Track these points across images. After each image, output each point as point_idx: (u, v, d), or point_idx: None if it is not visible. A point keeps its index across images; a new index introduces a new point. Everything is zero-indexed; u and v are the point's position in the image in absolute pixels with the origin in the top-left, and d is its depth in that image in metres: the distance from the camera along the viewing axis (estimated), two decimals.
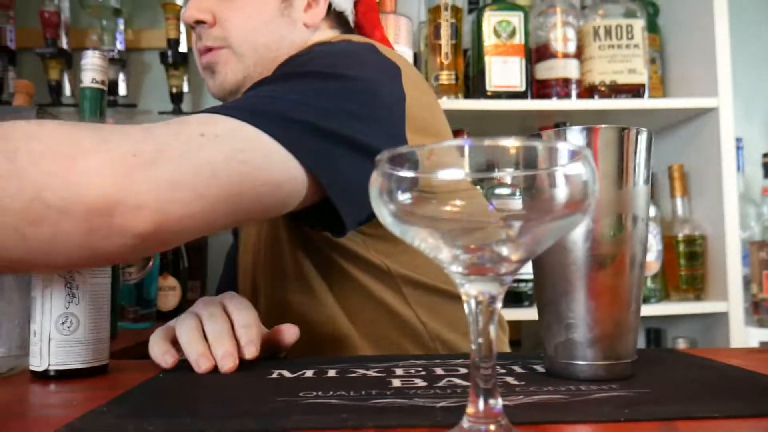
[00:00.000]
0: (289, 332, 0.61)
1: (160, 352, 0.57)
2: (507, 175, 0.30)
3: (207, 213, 0.51)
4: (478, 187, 0.29)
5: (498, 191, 0.30)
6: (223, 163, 0.52)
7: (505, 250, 0.30)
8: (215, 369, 0.54)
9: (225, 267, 0.98)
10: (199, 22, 0.80)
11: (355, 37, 0.82)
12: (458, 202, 0.30)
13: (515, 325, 1.47)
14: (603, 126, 0.47)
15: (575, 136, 0.47)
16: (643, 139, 0.48)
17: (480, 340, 0.32)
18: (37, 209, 0.44)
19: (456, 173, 0.29)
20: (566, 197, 0.30)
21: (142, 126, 0.52)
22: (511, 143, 0.29)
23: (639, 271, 0.49)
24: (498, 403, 0.32)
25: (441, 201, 0.30)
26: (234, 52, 0.81)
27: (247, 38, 0.81)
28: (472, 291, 0.31)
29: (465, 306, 0.32)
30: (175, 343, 0.58)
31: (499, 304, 0.32)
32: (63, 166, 0.45)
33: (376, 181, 0.31)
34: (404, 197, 0.30)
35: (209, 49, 0.81)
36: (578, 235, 0.47)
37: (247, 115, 0.56)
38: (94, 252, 0.48)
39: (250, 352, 0.55)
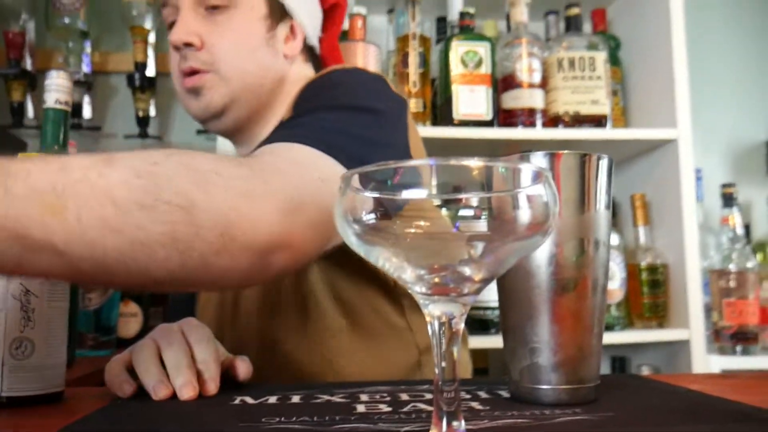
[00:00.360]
0: (242, 370, 0.59)
1: (117, 380, 0.55)
2: (471, 196, 0.30)
3: (324, 248, 0.60)
4: (443, 207, 0.29)
5: (462, 212, 0.30)
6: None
7: (468, 270, 0.30)
8: (174, 396, 0.53)
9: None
10: (188, 45, 0.81)
11: (360, 67, 0.86)
12: (422, 223, 0.30)
13: (482, 353, 1.47)
14: (565, 152, 0.48)
15: (538, 161, 0.48)
16: (603, 165, 0.49)
17: (443, 364, 0.32)
18: (223, 242, 0.48)
19: (419, 193, 0.29)
20: (528, 218, 0.30)
21: (273, 165, 0.58)
22: (475, 164, 0.29)
23: (601, 295, 0.49)
24: (461, 425, 0.31)
25: (405, 222, 0.30)
26: (221, 76, 0.82)
27: (234, 64, 0.83)
28: (435, 312, 0.31)
29: (428, 327, 0.32)
30: (132, 372, 0.56)
31: (461, 326, 0.32)
32: (244, 204, 0.50)
33: (341, 200, 0.31)
34: (368, 217, 0.30)
35: (194, 72, 0.82)
36: (541, 259, 0.47)
37: (337, 153, 0.62)
38: (247, 282, 0.59)
39: (210, 389, 0.54)
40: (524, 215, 0.30)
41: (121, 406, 0.51)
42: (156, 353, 0.56)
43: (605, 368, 1.52)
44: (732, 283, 1.47)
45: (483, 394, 0.53)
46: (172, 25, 0.84)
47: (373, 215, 0.30)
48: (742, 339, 1.44)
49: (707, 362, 1.34)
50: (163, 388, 0.52)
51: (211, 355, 0.56)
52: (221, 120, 0.85)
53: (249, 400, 0.51)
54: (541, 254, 0.47)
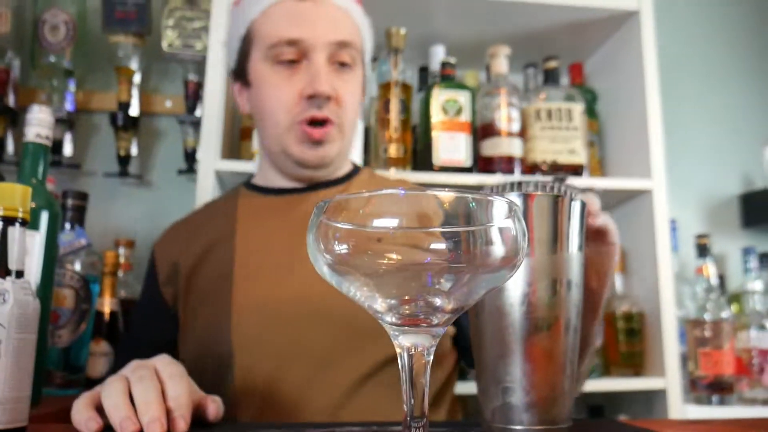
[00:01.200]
0: (212, 410, 0.58)
1: (83, 418, 0.54)
2: (442, 229, 0.30)
3: None
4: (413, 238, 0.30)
5: (433, 244, 0.30)
6: None
7: (438, 301, 0.30)
8: None
9: (146, 323, 0.94)
10: (328, 98, 0.85)
11: None
12: (394, 255, 0.30)
13: (461, 400, 1.45)
14: (539, 193, 0.49)
15: (512, 200, 0.49)
16: (576, 207, 0.50)
17: (412, 401, 0.32)
18: None
19: (390, 224, 0.29)
20: (498, 252, 0.31)
21: None
22: (446, 195, 0.29)
23: (574, 335, 0.49)
24: None
25: (376, 253, 0.30)
26: (340, 130, 0.88)
27: (352, 120, 0.90)
28: (405, 343, 0.32)
29: (398, 360, 0.32)
30: (100, 409, 0.55)
31: (430, 357, 0.32)
32: None
33: (312, 230, 0.31)
34: (340, 248, 0.31)
35: (326, 121, 0.86)
36: (515, 298, 0.48)
37: None
38: None
39: (180, 427, 0.52)
40: (494, 249, 0.31)
41: None
42: (125, 389, 0.55)
43: (581, 416, 1.51)
44: (707, 333, 1.48)
45: None
46: (290, 62, 0.86)
47: (345, 245, 0.30)
48: (717, 389, 1.45)
49: (684, 412, 1.34)
50: (130, 424, 0.51)
51: (184, 392, 0.55)
52: (326, 169, 0.90)
53: None
54: (514, 294, 0.48)
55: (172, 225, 0.99)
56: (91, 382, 1.01)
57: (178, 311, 0.90)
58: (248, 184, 0.98)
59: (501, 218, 0.30)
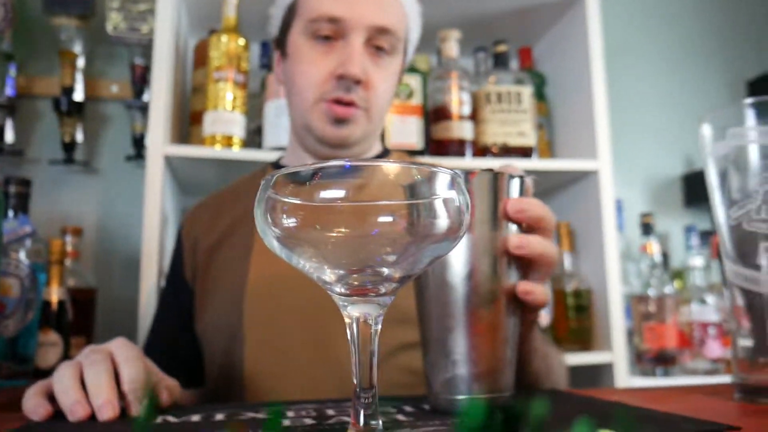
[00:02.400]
0: (163, 397, 0.57)
1: (32, 405, 0.53)
2: (388, 203, 0.31)
3: None
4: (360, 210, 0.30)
5: (380, 218, 0.31)
6: None
7: (385, 271, 0.31)
8: (93, 417, 0.51)
9: (163, 312, 0.95)
10: (358, 82, 0.83)
11: None
12: (342, 229, 0.31)
13: None
14: (479, 170, 0.50)
15: (516, 184, 0.51)
16: (515, 183, 0.51)
17: (360, 371, 0.33)
18: None
19: (336, 196, 0.30)
20: (443, 223, 0.32)
21: None
22: (391, 166, 0.30)
23: (515, 309, 0.51)
24: (379, 424, 0.32)
25: (324, 226, 0.31)
26: (368, 115, 0.86)
27: (381, 107, 0.88)
28: (354, 313, 0.32)
29: (347, 331, 0.33)
30: (53, 397, 0.54)
31: (378, 327, 0.33)
32: None
33: (260, 204, 0.32)
34: (288, 222, 0.31)
35: (351, 104, 0.84)
36: (459, 274, 0.49)
37: None
38: None
39: (135, 410, 0.52)
40: (438, 220, 0.31)
41: (32, 428, 0.48)
42: (77, 374, 0.54)
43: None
44: (651, 308, 1.54)
45: (408, 408, 0.53)
46: (326, 38, 0.85)
47: (293, 219, 0.31)
48: (661, 361, 1.51)
49: (630, 384, 1.39)
50: (80, 408, 0.50)
51: (139, 374, 0.54)
52: (349, 149, 0.89)
53: (171, 419, 0.50)
54: (459, 269, 0.49)
55: (201, 201, 1.01)
56: (40, 373, 0.99)
57: (195, 288, 0.91)
58: (276, 164, 0.99)
59: (444, 190, 0.31)
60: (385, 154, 0.99)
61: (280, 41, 0.92)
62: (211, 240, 0.91)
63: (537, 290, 0.51)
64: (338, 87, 0.84)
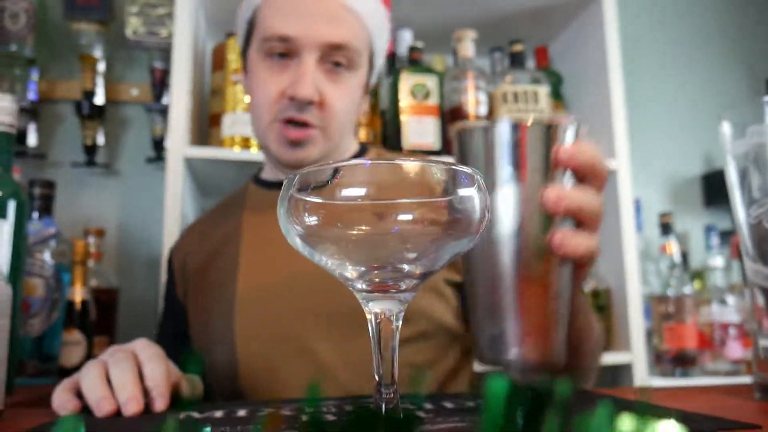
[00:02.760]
0: (184, 389, 0.59)
1: (61, 401, 0.55)
2: (407, 201, 0.32)
3: None
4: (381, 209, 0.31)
5: (400, 215, 0.32)
6: None
7: (406, 267, 0.32)
8: (119, 413, 0.52)
9: (162, 329, 0.97)
10: (310, 102, 0.81)
11: None
12: (362, 226, 0.32)
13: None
14: (531, 123, 0.48)
15: (504, 128, 0.48)
16: (570, 133, 0.49)
17: (381, 367, 0.34)
18: None
19: (357, 195, 0.31)
20: (462, 220, 0.32)
21: None
22: (411, 165, 0.31)
23: (567, 268, 0.49)
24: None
25: (345, 223, 0.32)
26: (326, 134, 0.84)
27: (341, 123, 0.85)
28: (375, 309, 0.33)
29: (368, 327, 0.34)
30: (80, 394, 0.56)
31: (399, 323, 0.33)
32: None
33: (283, 203, 0.32)
34: (310, 220, 0.32)
35: (305, 124, 0.82)
36: (508, 229, 0.47)
37: None
38: None
39: (158, 405, 0.54)
40: (458, 217, 0.32)
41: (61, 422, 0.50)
42: (102, 371, 0.56)
43: None
44: (671, 308, 1.53)
45: (428, 405, 0.54)
46: (281, 55, 0.83)
47: (314, 218, 0.31)
48: (681, 362, 1.50)
49: (650, 384, 1.38)
50: (106, 404, 0.52)
51: (161, 372, 0.56)
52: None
53: (195, 414, 0.51)
54: (508, 225, 0.47)
55: (188, 227, 1.02)
56: (65, 372, 1.01)
57: (188, 306, 0.92)
58: (256, 178, 0.99)
59: (465, 187, 0.32)
60: (362, 151, 0.97)
61: (243, 55, 0.91)
62: (199, 260, 0.92)
63: (572, 242, 0.48)
64: (290, 106, 0.82)
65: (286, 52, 0.82)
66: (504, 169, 0.47)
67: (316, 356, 0.79)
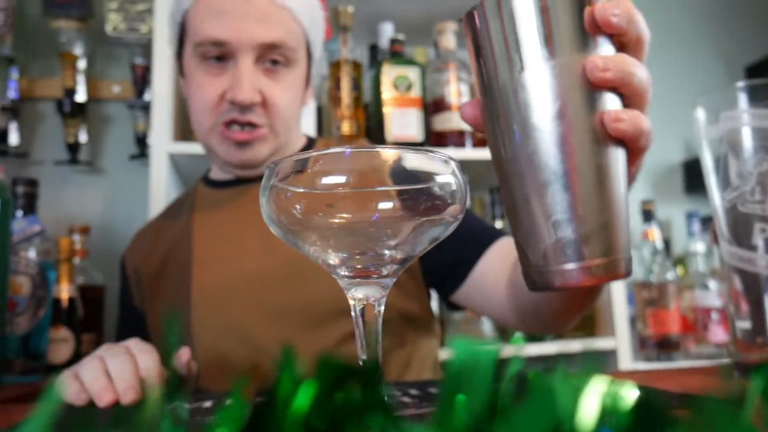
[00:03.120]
0: (182, 355, 0.63)
1: (73, 390, 0.57)
2: (386, 189, 0.32)
3: None
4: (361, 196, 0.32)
5: (380, 204, 0.32)
6: None
7: (387, 253, 0.32)
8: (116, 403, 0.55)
9: (126, 325, 0.97)
10: (252, 104, 0.81)
11: None
12: (343, 214, 0.32)
13: None
14: None
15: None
16: None
17: (365, 355, 0.34)
18: None
19: (337, 182, 0.31)
20: (441, 206, 0.33)
21: None
22: (389, 152, 0.31)
23: (622, 150, 0.42)
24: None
25: (326, 211, 0.32)
26: (273, 132, 0.84)
27: (286, 121, 0.85)
28: (358, 294, 0.34)
29: (352, 312, 0.34)
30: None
31: (381, 308, 0.34)
32: None
33: (264, 192, 0.33)
34: (292, 208, 0.32)
35: (251, 125, 0.82)
36: (546, 116, 0.39)
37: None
38: None
39: (150, 394, 0.55)
40: (436, 204, 0.33)
41: (65, 411, 0.51)
42: (101, 365, 0.58)
43: None
44: (654, 294, 1.55)
45: (414, 391, 0.55)
46: (217, 58, 0.82)
47: (296, 206, 0.32)
48: (665, 347, 1.52)
49: (633, 367, 1.41)
50: (107, 393, 0.55)
51: (154, 363, 0.59)
52: (257, 168, 0.88)
53: (184, 405, 0.52)
54: (546, 111, 0.39)
55: (138, 232, 1.01)
56: (53, 369, 1.01)
57: (146, 311, 0.93)
58: (205, 178, 0.99)
59: (442, 174, 0.32)
60: (310, 143, 0.97)
61: (178, 59, 0.90)
62: (152, 268, 0.92)
63: (626, 119, 0.39)
64: (232, 109, 0.82)
65: (221, 55, 0.82)
66: (531, 44, 0.39)
67: (270, 353, 0.79)
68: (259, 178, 0.90)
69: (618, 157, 0.41)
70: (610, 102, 0.40)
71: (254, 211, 0.85)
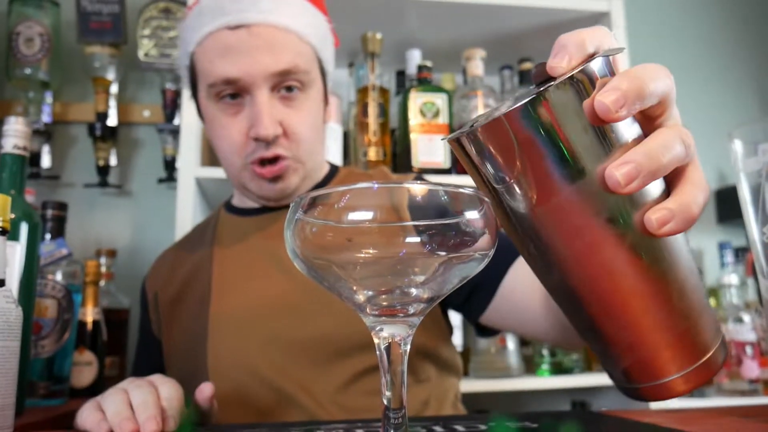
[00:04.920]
0: (206, 389, 0.63)
1: (94, 420, 0.56)
2: (414, 223, 0.31)
3: None
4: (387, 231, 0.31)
5: (407, 238, 0.31)
6: None
7: (413, 291, 0.31)
8: None
9: (138, 362, 0.97)
10: (276, 136, 0.81)
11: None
12: (370, 249, 0.31)
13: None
14: (549, 87, 0.34)
15: (600, 67, 0.36)
16: (599, 65, 0.36)
17: (390, 392, 0.33)
18: None
19: (364, 218, 0.30)
20: (470, 243, 0.32)
21: None
22: (419, 188, 0.31)
23: (686, 240, 0.38)
24: None
25: (352, 247, 0.31)
26: (298, 161, 0.84)
27: (309, 147, 0.85)
28: (384, 334, 0.33)
29: (377, 351, 0.33)
30: None
31: (407, 347, 0.33)
32: None
33: (289, 226, 0.32)
34: (317, 242, 0.32)
35: (276, 158, 0.82)
36: (579, 243, 0.34)
37: None
38: None
39: (170, 425, 0.56)
40: (466, 240, 0.32)
41: None
42: (125, 397, 0.58)
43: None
44: None
45: (437, 428, 0.53)
46: (233, 96, 0.82)
47: (321, 240, 0.31)
48: None
49: (665, 405, 1.36)
50: (128, 423, 0.54)
51: (176, 395, 0.59)
52: (290, 197, 0.87)
53: None
54: (577, 239, 0.34)
55: (159, 257, 1.01)
56: (76, 392, 1.01)
57: (162, 340, 0.92)
58: (228, 204, 0.98)
59: (472, 210, 0.31)
60: (331, 173, 0.97)
61: (195, 100, 0.90)
62: (170, 293, 0.91)
63: (674, 213, 0.35)
64: (258, 147, 0.81)
65: (235, 92, 0.81)
66: (543, 162, 0.33)
67: (286, 385, 0.78)
68: (283, 207, 0.90)
69: (676, 248, 0.36)
70: (649, 197, 0.35)
71: (274, 241, 0.85)
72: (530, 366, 1.40)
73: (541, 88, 0.33)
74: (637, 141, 0.35)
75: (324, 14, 0.90)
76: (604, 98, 0.32)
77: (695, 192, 0.37)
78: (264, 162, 0.82)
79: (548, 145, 0.33)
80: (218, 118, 0.83)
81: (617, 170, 0.32)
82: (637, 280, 0.35)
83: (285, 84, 0.81)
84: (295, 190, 0.86)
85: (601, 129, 0.34)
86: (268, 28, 0.80)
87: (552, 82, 0.33)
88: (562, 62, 0.35)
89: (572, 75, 0.33)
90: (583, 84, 0.34)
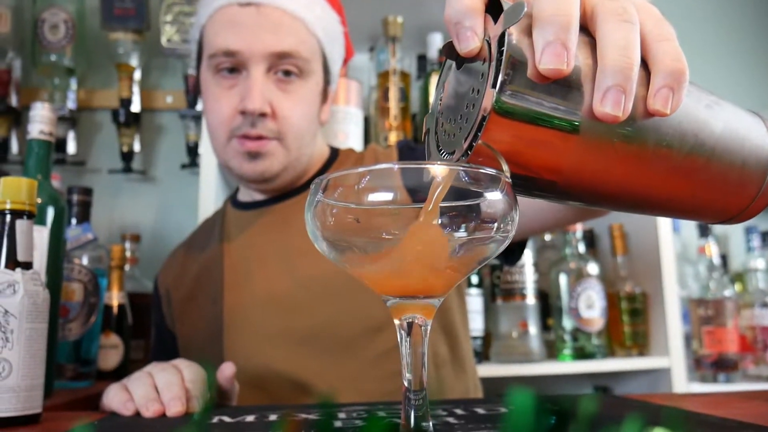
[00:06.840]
0: (227, 369, 0.64)
1: (121, 400, 0.58)
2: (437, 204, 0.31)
3: None
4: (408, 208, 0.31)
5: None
6: None
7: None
8: (164, 415, 0.56)
9: (160, 345, 0.98)
10: (262, 114, 0.81)
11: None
12: (392, 231, 0.31)
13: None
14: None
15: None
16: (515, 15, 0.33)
17: (409, 375, 0.33)
18: None
19: (383, 198, 0.30)
20: (490, 224, 0.32)
21: None
22: (440, 168, 0.30)
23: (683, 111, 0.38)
24: (430, 426, 0.32)
25: (372, 229, 0.31)
26: (283, 144, 0.84)
27: (297, 135, 0.85)
28: (405, 315, 0.33)
29: (398, 332, 0.33)
30: None
31: (428, 328, 0.33)
32: None
33: (310, 207, 0.32)
34: (337, 224, 0.32)
35: (260, 138, 0.82)
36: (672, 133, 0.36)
37: None
38: None
39: (194, 405, 0.58)
40: (486, 221, 0.32)
41: (101, 425, 0.51)
42: (149, 379, 0.60)
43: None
44: (710, 312, 1.49)
45: (459, 411, 0.53)
46: (230, 70, 0.83)
47: (342, 222, 0.31)
48: (722, 367, 1.46)
49: (688, 390, 1.35)
50: (153, 403, 0.56)
51: (199, 376, 0.61)
52: (270, 183, 0.87)
53: (226, 419, 0.52)
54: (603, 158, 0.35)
55: (171, 253, 1.03)
56: (103, 375, 1.03)
57: (176, 333, 0.94)
58: (233, 199, 0.99)
59: (492, 191, 0.31)
60: (334, 154, 0.96)
61: (197, 77, 0.91)
62: (183, 291, 0.93)
63: (668, 84, 0.33)
64: (244, 122, 0.81)
65: (233, 66, 0.82)
66: (543, 147, 0.34)
67: (301, 375, 0.79)
68: (279, 197, 0.90)
69: (691, 105, 0.39)
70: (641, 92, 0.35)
71: (281, 234, 0.86)
72: (552, 351, 1.40)
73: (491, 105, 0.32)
74: (593, 48, 0.34)
75: (338, 15, 0.91)
76: (546, 63, 0.31)
77: (667, 47, 0.35)
78: (246, 139, 0.83)
79: (539, 130, 0.33)
80: (213, 90, 0.84)
81: (603, 106, 0.31)
82: (683, 152, 0.37)
83: (283, 67, 0.82)
84: (275, 175, 0.86)
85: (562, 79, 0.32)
86: (277, 10, 0.82)
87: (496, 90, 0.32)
88: (472, 43, 0.34)
89: (508, 59, 0.32)
90: (517, 67, 0.32)
